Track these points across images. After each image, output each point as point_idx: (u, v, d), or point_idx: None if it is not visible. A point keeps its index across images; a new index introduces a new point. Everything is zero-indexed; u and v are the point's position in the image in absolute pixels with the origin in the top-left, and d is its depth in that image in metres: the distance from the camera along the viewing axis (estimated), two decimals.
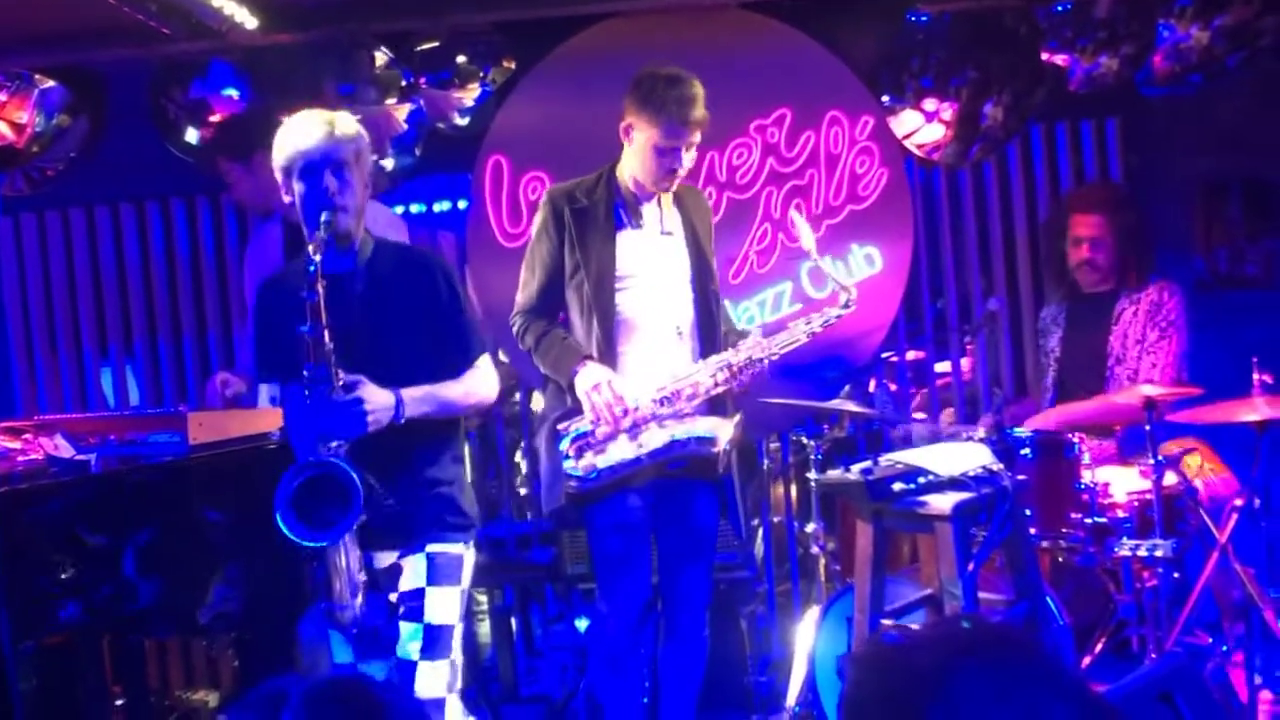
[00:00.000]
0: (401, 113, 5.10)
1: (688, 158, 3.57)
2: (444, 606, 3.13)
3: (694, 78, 3.55)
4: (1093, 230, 4.47)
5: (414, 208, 5.47)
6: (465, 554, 3.21)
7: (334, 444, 2.93)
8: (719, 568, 4.08)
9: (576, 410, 3.52)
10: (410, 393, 3.05)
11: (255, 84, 5.10)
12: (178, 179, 5.43)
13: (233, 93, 5.14)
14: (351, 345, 3.03)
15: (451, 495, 3.20)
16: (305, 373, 2.93)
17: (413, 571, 3.13)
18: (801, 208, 5.02)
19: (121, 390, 5.63)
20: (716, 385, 3.52)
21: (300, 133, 3.09)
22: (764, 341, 3.56)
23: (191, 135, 5.17)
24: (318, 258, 2.94)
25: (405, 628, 3.11)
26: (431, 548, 3.14)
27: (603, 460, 3.47)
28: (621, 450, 3.46)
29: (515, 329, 3.68)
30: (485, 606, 4.93)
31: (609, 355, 3.54)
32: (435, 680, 3.10)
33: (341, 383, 2.95)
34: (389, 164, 5.11)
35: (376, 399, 2.98)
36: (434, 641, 3.11)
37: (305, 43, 5.08)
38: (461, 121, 5.20)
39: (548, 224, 3.63)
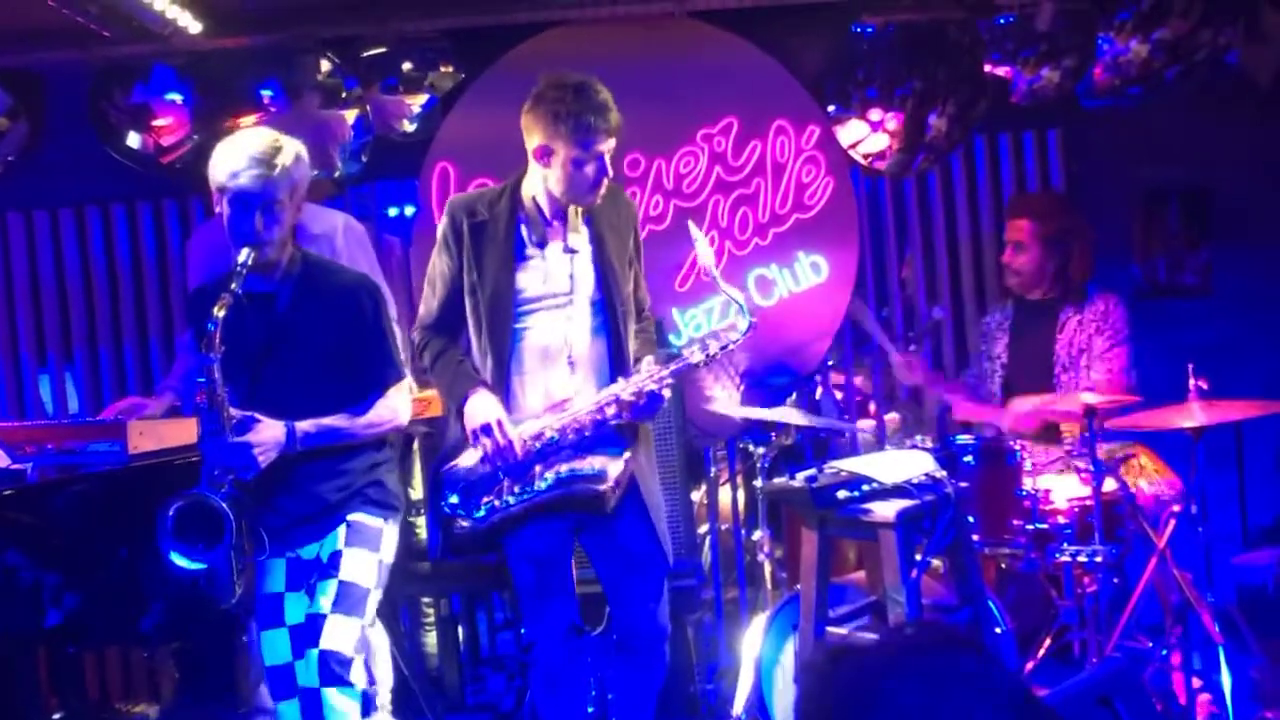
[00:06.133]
0: (348, 119, 5.07)
1: (609, 165, 3.33)
2: (360, 567, 3.18)
3: (596, 81, 3.30)
4: (1017, 235, 4.52)
5: None
6: (385, 528, 3.27)
7: (229, 477, 3.02)
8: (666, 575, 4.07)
9: (462, 446, 3.36)
10: (304, 426, 3.12)
11: (199, 89, 5.04)
12: (119, 184, 5.37)
13: (176, 97, 5.08)
14: (263, 363, 3.14)
15: (374, 478, 3.26)
16: (200, 415, 3.04)
17: (332, 539, 3.19)
18: (748, 216, 5.05)
19: (60, 398, 5.55)
20: (605, 419, 3.31)
21: (238, 160, 3.07)
22: (654, 370, 3.32)
23: (133, 140, 5.11)
24: (235, 286, 3.01)
25: (320, 585, 3.15)
26: (351, 517, 3.21)
27: (487, 500, 3.32)
28: (505, 492, 3.32)
29: (415, 344, 3.51)
30: (431, 616, 4.90)
31: (500, 384, 3.36)
32: (344, 635, 3.13)
33: (234, 421, 3.03)
34: (336, 171, 5.08)
35: (266, 437, 3.06)
36: (346, 596, 3.15)
37: (250, 48, 5.04)
38: (409, 128, 5.18)
39: (447, 237, 3.40)
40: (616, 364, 3.40)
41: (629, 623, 3.50)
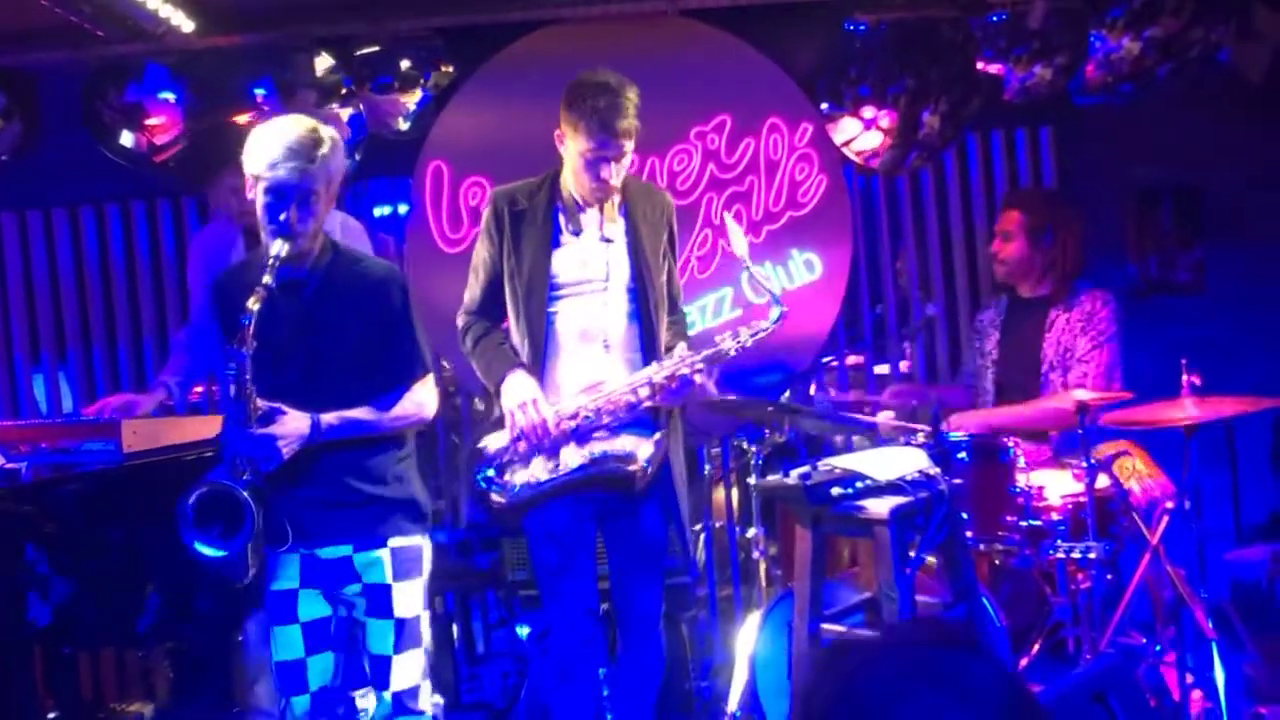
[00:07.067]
0: (343, 117, 5.07)
1: (617, 169, 3.45)
2: (410, 599, 3.22)
3: (628, 85, 3.43)
4: (1006, 225, 4.56)
5: None
6: (424, 544, 3.28)
7: (251, 466, 3.02)
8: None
9: (499, 424, 3.48)
10: (328, 418, 3.10)
11: (192, 88, 5.04)
12: (113, 183, 5.36)
13: (169, 96, 5.07)
14: (290, 352, 3.11)
15: (408, 492, 3.25)
16: (226, 405, 3.04)
17: (376, 566, 3.18)
18: (741, 214, 5.06)
19: (54, 397, 5.54)
20: (639, 401, 3.43)
21: (275, 151, 3.03)
22: (688, 355, 3.44)
23: (127, 139, 5.10)
24: (268, 279, 2.98)
25: (375, 625, 3.18)
26: (394, 542, 3.20)
27: (520, 477, 3.43)
28: (539, 469, 3.42)
29: (459, 328, 3.64)
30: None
31: (536, 366, 3.48)
32: (411, 671, 3.21)
33: (259, 413, 3.02)
34: None
35: (290, 429, 3.05)
36: (405, 633, 3.20)
37: (243, 46, 5.04)
38: (403, 126, 5.18)
39: (489, 225, 3.56)
40: (649, 350, 3.51)
41: (628, 604, 3.57)
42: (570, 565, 3.49)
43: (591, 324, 3.50)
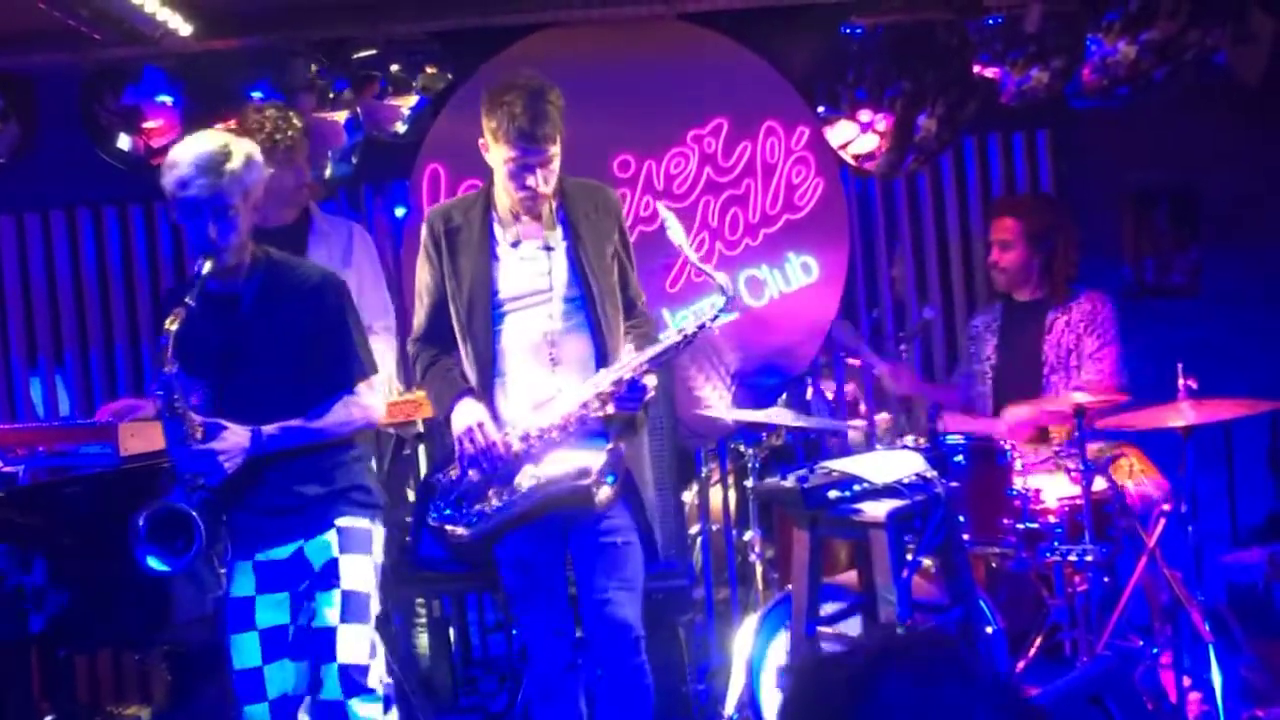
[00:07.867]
0: (339, 120, 5.07)
1: (545, 175, 3.28)
2: (359, 574, 3.19)
3: (549, 88, 3.26)
4: (1002, 234, 4.58)
5: None
6: (373, 529, 3.26)
7: (200, 482, 3.05)
8: (657, 576, 4.05)
9: (453, 457, 3.34)
10: (269, 429, 3.10)
11: (189, 91, 5.04)
12: (110, 186, 5.36)
13: (166, 99, 5.08)
14: (231, 365, 3.14)
15: (351, 479, 3.24)
16: (164, 424, 3.07)
17: (325, 547, 3.17)
18: (738, 217, 5.06)
19: (51, 401, 5.54)
20: (589, 412, 3.26)
21: (184, 169, 3.03)
22: (633, 358, 3.28)
23: (124, 142, 5.11)
24: (189, 300, 2.99)
25: (322, 596, 3.16)
26: (341, 522, 3.19)
27: (477, 507, 3.29)
28: (495, 497, 3.28)
29: (410, 356, 3.53)
30: (423, 617, 4.90)
31: (485, 386, 3.35)
32: (358, 644, 3.15)
33: (201, 431, 3.04)
34: (326, 172, 5.08)
35: (230, 444, 3.06)
36: (352, 604, 3.16)
37: (240, 50, 5.04)
38: (400, 130, 5.18)
39: (427, 247, 3.43)
40: (603, 358, 3.36)
41: (597, 623, 3.40)
42: (537, 588, 3.41)
43: (539, 338, 3.35)
